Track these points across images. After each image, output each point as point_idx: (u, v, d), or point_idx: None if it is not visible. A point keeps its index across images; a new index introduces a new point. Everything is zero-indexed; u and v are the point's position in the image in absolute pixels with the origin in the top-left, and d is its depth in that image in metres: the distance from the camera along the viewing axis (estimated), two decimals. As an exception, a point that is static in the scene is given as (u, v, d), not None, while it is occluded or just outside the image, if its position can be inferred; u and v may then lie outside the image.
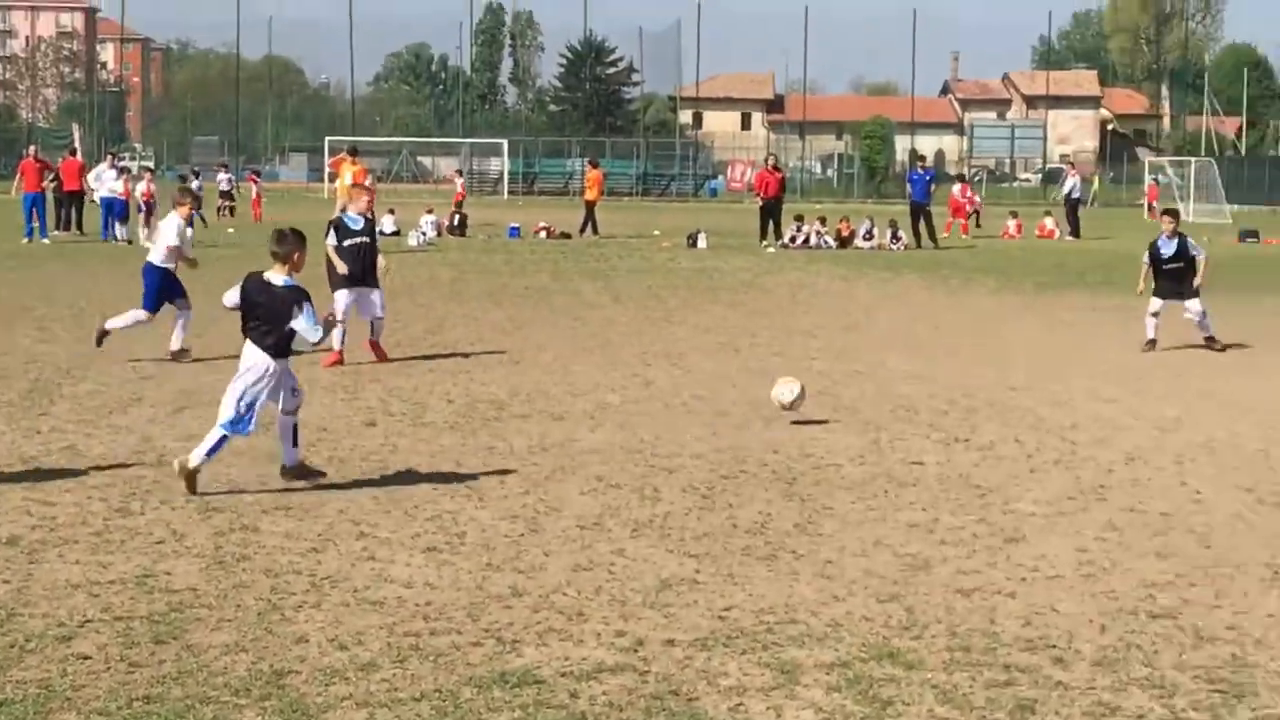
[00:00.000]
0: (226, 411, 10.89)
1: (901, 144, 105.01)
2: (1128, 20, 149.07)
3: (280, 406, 11.20)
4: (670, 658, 7.53)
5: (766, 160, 47.86)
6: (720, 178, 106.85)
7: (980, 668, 7.42)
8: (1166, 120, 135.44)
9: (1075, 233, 51.47)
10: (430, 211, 46.58)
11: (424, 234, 43.00)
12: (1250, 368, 18.87)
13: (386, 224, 42.62)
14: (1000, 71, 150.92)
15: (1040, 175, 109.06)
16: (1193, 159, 78.94)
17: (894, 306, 26.52)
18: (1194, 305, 20.60)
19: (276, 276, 11.08)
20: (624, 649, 7.66)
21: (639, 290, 28.93)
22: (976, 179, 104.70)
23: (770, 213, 44.31)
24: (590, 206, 48.24)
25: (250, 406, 10.92)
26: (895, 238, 44.22)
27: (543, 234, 46.98)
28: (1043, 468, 12.48)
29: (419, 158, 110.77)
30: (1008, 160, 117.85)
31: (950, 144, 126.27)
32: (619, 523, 10.34)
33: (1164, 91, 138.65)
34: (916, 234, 44.40)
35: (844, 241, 44.45)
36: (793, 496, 11.26)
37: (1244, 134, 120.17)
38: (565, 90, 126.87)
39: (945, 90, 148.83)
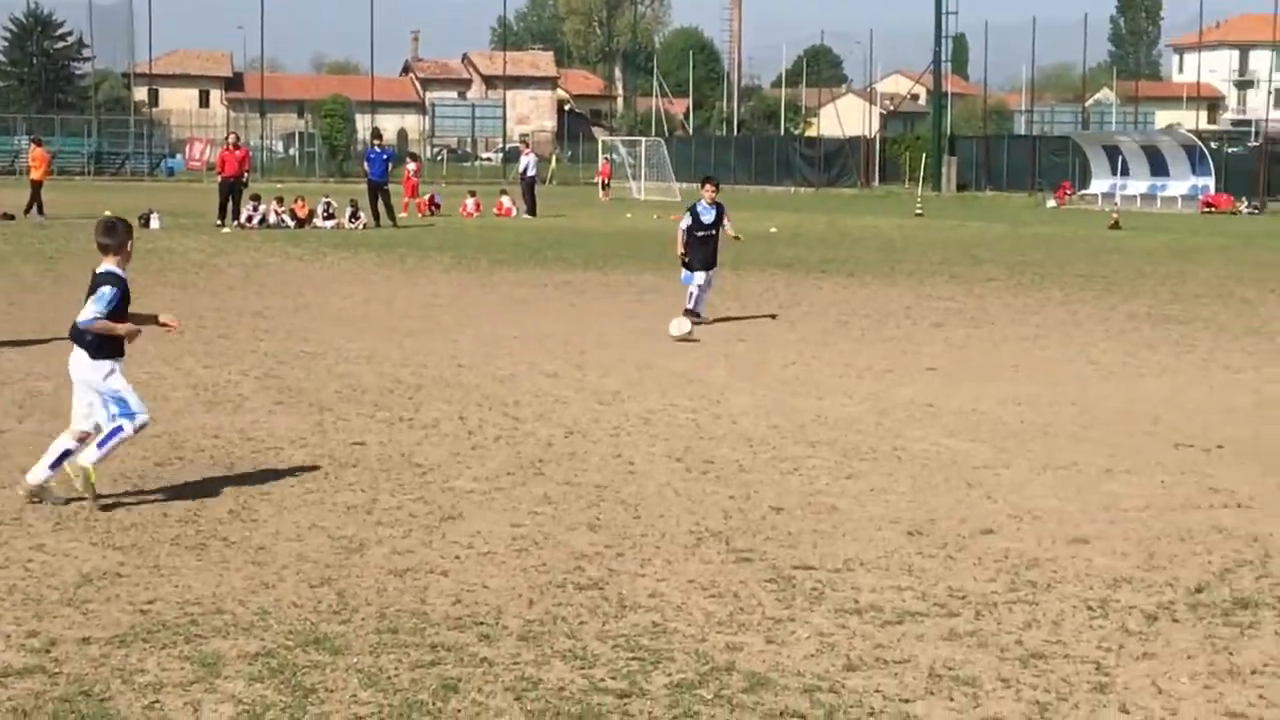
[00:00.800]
0: (111, 422, 10.12)
1: (363, 122, 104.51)
2: (581, 3, 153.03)
3: (78, 424, 10.31)
4: (85, 657, 7.18)
5: (227, 138, 46.88)
6: (178, 156, 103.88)
7: (408, 649, 7.37)
8: (620, 101, 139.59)
9: (532, 211, 52.41)
10: None
11: None
12: (688, 341, 19.53)
13: None
14: (460, 52, 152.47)
15: (501, 154, 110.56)
16: (644, 139, 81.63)
17: (349, 286, 26.32)
18: (706, 276, 21.36)
19: (102, 267, 10.24)
20: (35, 650, 7.26)
21: (84, 273, 27.75)
22: (439, 158, 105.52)
23: (230, 191, 43.41)
24: (36, 187, 46.12)
25: (122, 401, 10.13)
26: (354, 217, 44.02)
27: (-17, 215, 44.61)
28: (484, 444, 12.57)
29: None
30: (469, 139, 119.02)
31: (412, 123, 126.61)
32: (40, 517, 9.84)
33: (617, 73, 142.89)
34: (375, 213, 44.37)
35: (302, 221, 43.96)
36: (230, 482, 10.97)
37: (691, 115, 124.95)
38: (10, 65, 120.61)
39: (406, 69, 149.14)
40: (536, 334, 19.84)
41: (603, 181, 73.36)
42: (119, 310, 10.17)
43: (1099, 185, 70.50)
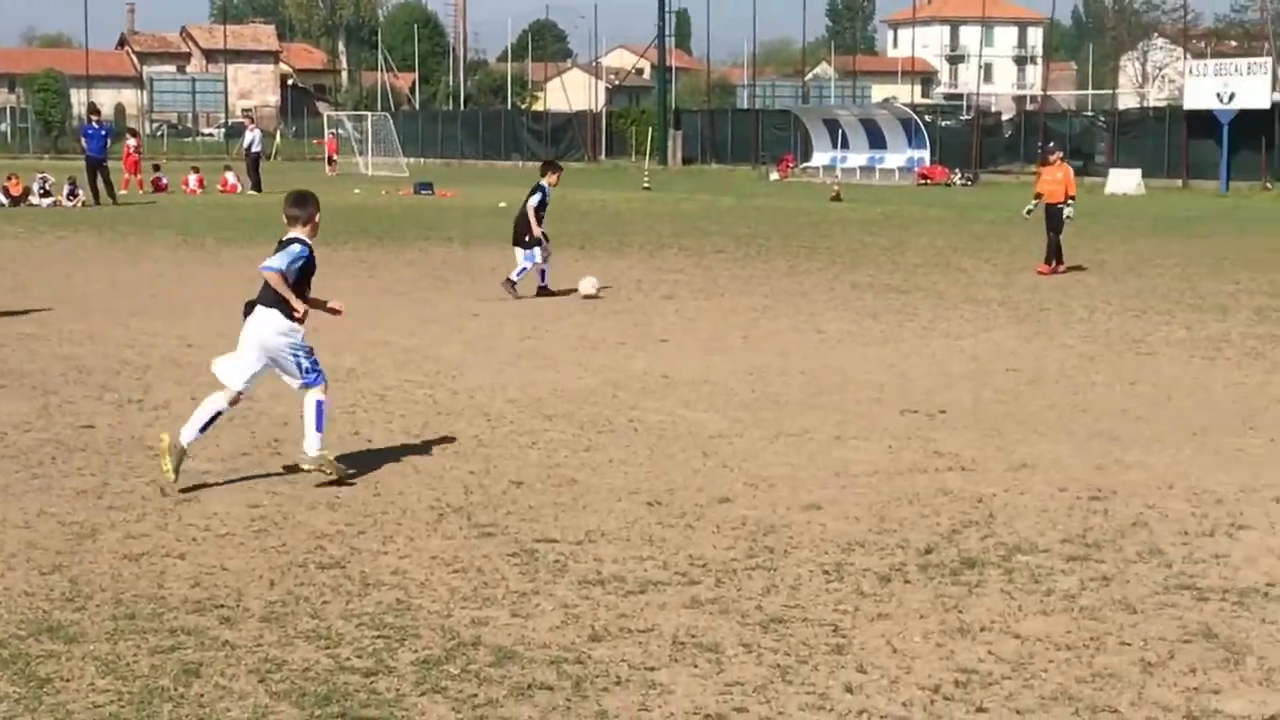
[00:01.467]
0: (306, 376, 10.31)
1: (79, 97, 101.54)
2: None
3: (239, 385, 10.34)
4: None
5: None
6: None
7: (146, 634, 7.23)
8: (345, 75, 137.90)
9: (257, 187, 51.51)
10: None
11: None
12: (418, 313, 19.46)
13: None
14: (178, 25, 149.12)
15: (223, 130, 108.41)
16: (370, 113, 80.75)
17: (69, 265, 25.61)
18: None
19: (289, 235, 10.43)
20: None
21: None
22: (159, 134, 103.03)
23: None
24: None
25: (312, 358, 10.37)
26: (73, 194, 42.82)
27: None
28: (218, 424, 12.32)
29: None
30: (190, 114, 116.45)
31: (130, 98, 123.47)
32: None
33: (341, 47, 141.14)
34: (94, 190, 43.20)
35: (16, 199, 42.56)
36: (-49, 470, 10.62)
37: (417, 89, 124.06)
38: None
39: (122, 43, 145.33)
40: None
41: (329, 157, 72.44)
42: (300, 281, 10.26)
43: (820, 158, 71.87)
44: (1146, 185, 57.67)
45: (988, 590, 8.09)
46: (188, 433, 10.28)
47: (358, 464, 10.92)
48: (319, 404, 10.37)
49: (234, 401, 10.53)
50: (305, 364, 10.34)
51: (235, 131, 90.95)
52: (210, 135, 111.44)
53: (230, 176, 52.92)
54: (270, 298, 10.22)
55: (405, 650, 7.07)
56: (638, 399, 13.70)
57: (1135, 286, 23.61)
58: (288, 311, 10.21)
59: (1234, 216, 42.42)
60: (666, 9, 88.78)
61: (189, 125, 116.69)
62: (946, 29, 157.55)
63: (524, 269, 21.53)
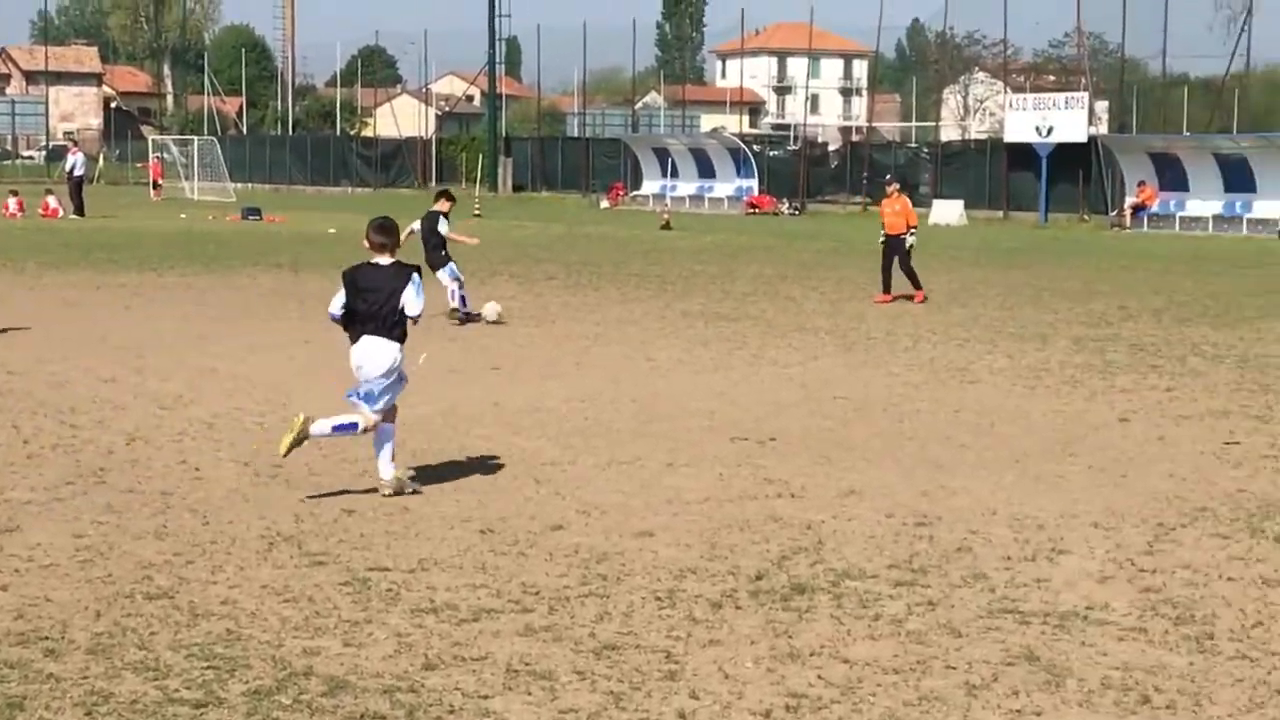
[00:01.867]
0: (370, 401, 10.77)
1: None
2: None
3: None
4: None
5: None
6: None
7: (-32, 668, 7.09)
8: (170, 99, 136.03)
9: (79, 211, 50.63)
10: None
11: None
12: (247, 340, 19.23)
13: None
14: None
15: (44, 153, 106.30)
16: (196, 138, 79.70)
17: (-117, 290, 24.97)
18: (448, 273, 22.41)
19: (384, 260, 10.84)
20: None
21: None
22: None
23: None
24: None
25: (388, 396, 10.83)
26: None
27: None
28: (40, 453, 12.15)
29: None
30: (10, 137, 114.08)
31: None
32: None
33: (166, 70, 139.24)
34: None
35: None
36: None
37: (245, 113, 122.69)
38: None
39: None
40: (91, 338, 19.23)
41: (154, 181, 71.38)
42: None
43: (650, 186, 72.25)
44: (969, 216, 58.70)
45: (817, 616, 8.21)
46: (384, 470, 10.88)
47: (185, 493, 10.80)
48: (355, 425, 10.83)
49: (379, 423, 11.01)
50: (383, 394, 10.79)
51: (57, 155, 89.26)
52: (31, 158, 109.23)
53: (52, 200, 51.94)
54: (394, 332, 10.78)
55: (235, 681, 7.00)
56: (469, 426, 13.69)
57: (959, 316, 24.05)
58: (403, 343, 10.85)
59: (1053, 248, 43.37)
60: (497, 36, 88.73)
61: (8, 148, 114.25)
62: (774, 60, 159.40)
63: (454, 290, 22.31)
